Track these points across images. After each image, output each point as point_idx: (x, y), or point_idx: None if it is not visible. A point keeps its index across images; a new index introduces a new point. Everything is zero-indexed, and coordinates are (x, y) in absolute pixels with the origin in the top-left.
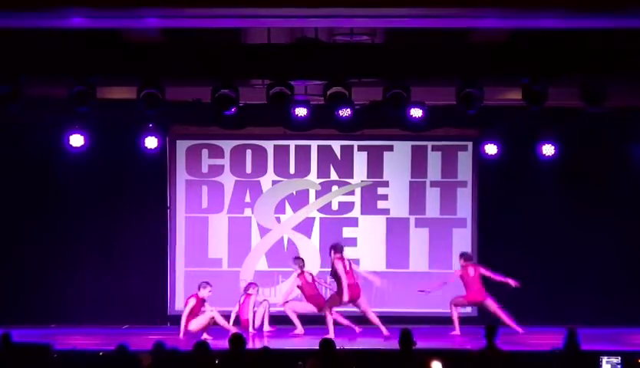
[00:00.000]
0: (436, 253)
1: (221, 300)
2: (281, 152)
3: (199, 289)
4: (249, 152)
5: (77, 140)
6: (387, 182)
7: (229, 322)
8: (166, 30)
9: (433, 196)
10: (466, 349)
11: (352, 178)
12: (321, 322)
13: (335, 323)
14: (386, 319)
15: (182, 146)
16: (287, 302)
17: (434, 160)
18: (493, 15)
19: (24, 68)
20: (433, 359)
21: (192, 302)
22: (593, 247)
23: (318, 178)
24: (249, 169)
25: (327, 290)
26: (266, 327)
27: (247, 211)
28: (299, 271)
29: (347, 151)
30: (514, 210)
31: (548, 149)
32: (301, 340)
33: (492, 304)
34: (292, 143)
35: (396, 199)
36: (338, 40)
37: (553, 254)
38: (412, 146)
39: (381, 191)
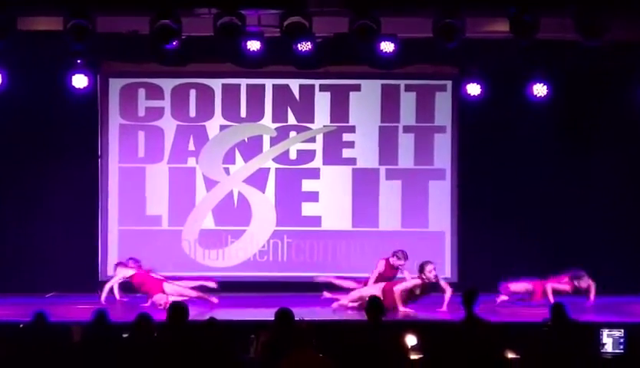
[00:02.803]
0: (410, 209)
1: (160, 264)
2: (230, 93)
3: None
4: (192, 92)
5: None
6: (354, 127)
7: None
8: None
9: (406, 144)
10: (443, 320)
11: (313, 122)
12: (281, 289)
13: None
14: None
15: (115, 85)
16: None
17: (408, 102)
18: None
19: None
20: (406, 333)
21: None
22: (592, 201)
23: (273, 122)
24: (192, 112)
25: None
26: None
27: (191, 161)
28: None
29: (307, 91)
30: (500, 159)
31: (539, 89)
32: (255, 310)
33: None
34: (243, 82)
35: (364, 147)
36: None
37: (545, 210)
38: (382, 85)
39: (346, 137)
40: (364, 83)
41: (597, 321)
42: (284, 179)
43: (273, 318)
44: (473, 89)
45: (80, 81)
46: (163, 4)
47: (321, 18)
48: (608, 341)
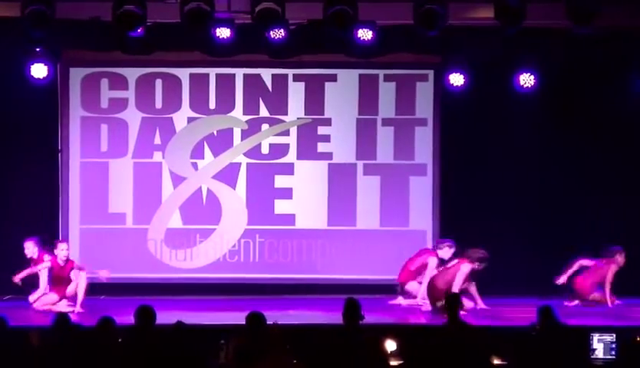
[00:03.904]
0: (389, 207)
1: (124, 265)
2: (198, 83)
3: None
4: (158, 82)
5: None
6: (330, 119)
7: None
8: None
9: (385, 137)
10: (424, 324)
11: (286, 114)
12: (252, 291)
13: None
14: (328, 288)
15: (76, 74)
16: None
17: (387, 93)
18: None
19: None
20: (385, 338)
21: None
22: (582, 198)
23: (244, 114)
24: (158, 104)
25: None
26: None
27: (157, 156)
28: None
29: (280, 82)
30: (484, 154)
31: (526, 79)
32: (225, 314)
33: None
34: (213, 72)
35: (340, 141)
36: None
37: (533, 208)
38: (360, 75)
39: (321, 130)
40: (340, 72)
41: (587, 325)
42: (256, 174)
43: (244, 322)
44: (456, 79)
45: (39, 71)
46: None
47: (295, 3)
48: (599, 346)
